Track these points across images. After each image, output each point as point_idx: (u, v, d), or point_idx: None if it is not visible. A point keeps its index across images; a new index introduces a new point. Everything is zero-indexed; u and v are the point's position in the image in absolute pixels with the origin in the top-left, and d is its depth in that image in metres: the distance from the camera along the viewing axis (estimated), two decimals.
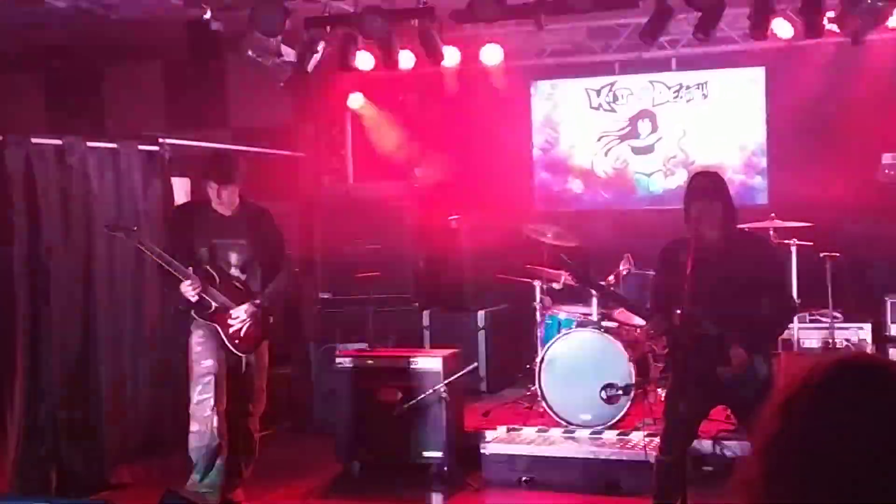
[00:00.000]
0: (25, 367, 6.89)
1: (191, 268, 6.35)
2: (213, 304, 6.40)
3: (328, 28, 8.33)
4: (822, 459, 1.42)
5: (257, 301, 6.50)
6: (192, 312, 6.45)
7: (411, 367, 7.58)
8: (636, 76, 9.96)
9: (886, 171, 8.72)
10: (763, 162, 9.71)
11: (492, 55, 9.09)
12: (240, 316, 6.42)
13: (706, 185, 5.47)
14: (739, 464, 1.54)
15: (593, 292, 7.79)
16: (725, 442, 7.01)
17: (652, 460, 5.93)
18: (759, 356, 5.40)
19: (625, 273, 8.14)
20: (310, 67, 8.48)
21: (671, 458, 5.56)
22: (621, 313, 8.01)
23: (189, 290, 6.27)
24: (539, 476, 7.23)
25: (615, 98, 10.08)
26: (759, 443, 1.49)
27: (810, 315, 8.37)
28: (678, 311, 5.46)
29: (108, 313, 7.48)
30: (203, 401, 6.41)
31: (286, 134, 10.37)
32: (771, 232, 7.79)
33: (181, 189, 8.25)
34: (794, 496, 1.43)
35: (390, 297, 8.94)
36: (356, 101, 10.25)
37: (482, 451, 7.44)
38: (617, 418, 7.58)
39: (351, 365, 7.77)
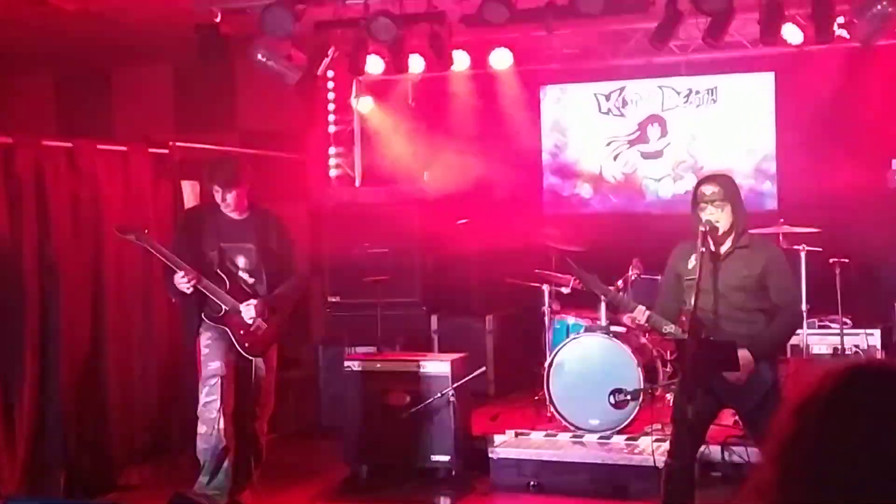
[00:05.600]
0: (34, 369, 6.91)
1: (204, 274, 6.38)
2: (223, 307, 6.41)
3: (338, 32, 8.33)
4: (835, 464, 1.43)
5: (265, 298, 6.50)
6: (203, 315, 6.46)
7: (419, 370, 7.58)
8: (645, 81, 9.95)
9: None
10: (772, 167, 9.69)
11: (501, 60, 9.09)
12: (249, 316, 6.41)
13: (712, 192, 5.45)
14: (752, 469, 1.54)
15: (602, 297, 7.77)
16: (734, 447, 6.99)
17: (660, 465, 5.92)
18: (764, 361, 5.39)
19: (633, 278, 8.13)
20: (319, 71, 8.50)
21: (680, 463, 5.56)
22: (632, 322, 8.00)
23: (182, 281, 6.26)
24: (547, 480, 7.23)
25: (624, 103, 10.07)
26: (773, 448, 1.49)
27: (819, 321, 8.35)
28: (684, 318, 5.47)
29: (116, 315, 7.50)
30: (210, 402, 6.42)
31: (295, 137, 10.38)
32: (780, 237, 7.77)
33: (190, 192, 8.27)
34: (808, 501, 1.43)
35: (398, 301, 8.93)
36: (365, 104, 10.26)
37: (490, 455, 7.44)
38: (625, 423, 7.57)
39: (359, 368, 7.77)
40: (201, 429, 6.44)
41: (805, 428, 1.48)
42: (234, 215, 6.54)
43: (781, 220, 7.98)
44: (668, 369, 7.96)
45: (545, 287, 8.30)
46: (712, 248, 5.45)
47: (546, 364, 7.86)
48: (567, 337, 7.95)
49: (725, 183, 5.57)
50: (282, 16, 7.67)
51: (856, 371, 1.51)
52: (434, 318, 9.47)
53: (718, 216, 5.38)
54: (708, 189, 5.46)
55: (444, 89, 9.91)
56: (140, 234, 6.57)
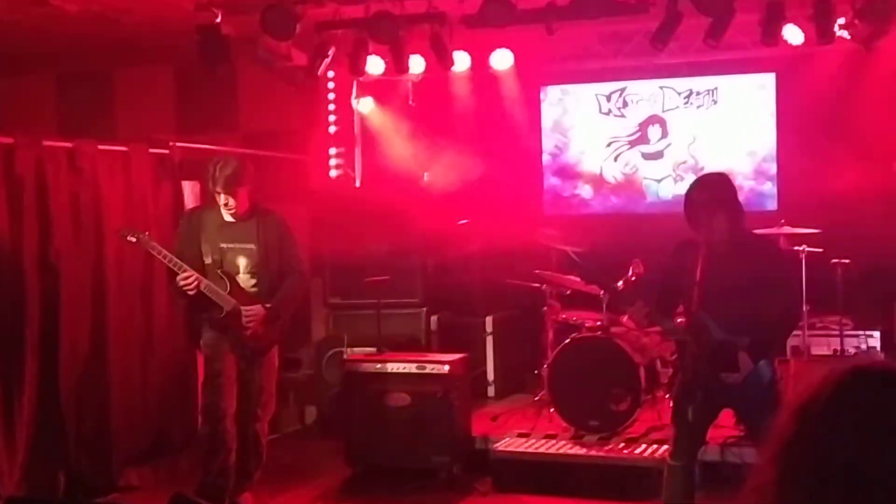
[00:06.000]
0: (35, 370, 6.91)
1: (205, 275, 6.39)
2: (225, 309, 6.41)
3: (339, 32, 8.33)
4: (836, 466, 1.42)
5: (268, 305, 6.50)
6: (204, 316, 6.46)
7: (420, 371, 7.58)
8: (646, 82, 9.95)
9: None
10: (773, 168, 9.69)
11: (502, 60, 9.08)
12: (251, 318, 6.42)
13: (707, 196, 5.42)
14: (752, 469, 1.53)
15: (601, 293, 7.77)
16: (734, 448, 6.99)
17: (661, 466, 5.93)
18: (764, 361, 5.40)
19: (634, 278, 8.13)
20: (320, 71, 8.49)
21: (680, 464, 5.56)
22: (630, 319, 8.00)
23: (186, 283, 6.27)
24: (547, 481, 7.23)
25: (625, 103, 10.07)
26: (773, 449, 1.49)
27: (820, 322, 8.34)
28: (682, 319, 5.47)
29: (117, 316, 7.50)
30: (213, 403, 6.43)
31: (295, 138, 10.38)
32: (781, 238, 7.77)
33: (191, 192, 8.27)
34: (808, 502, 1.43)
35: (399, 302, 8.93)
36: (366, 105, 10.26)
37: (491, 455, 7.44)
38: (625, 424, 7.58)
39: (359, 369, 7.78)
40: (203, 430, 6.45)
41: (806, 430, 1.48)
42: (236, 216, 6.53)
43: (782, 220, 7.98)
44: (668, 370, 7.96)
45: (545, 288, 8.30)
46: (712, 247, 5.44)
47: (546, 365, 7.86)
48: (567, 337, 7.94)
49: (716, 188, 5.53)
50: (282, 17, 7.67)
51: (857, 373, 1.51)
52: (434, 319, 9.47)
53: (714, 221, 5.37)
54: (700, 196, 5.45)
55: (445, 90, 9.90)
56: (141, 236, 6.56)
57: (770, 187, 9.70)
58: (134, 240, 6.54)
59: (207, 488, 6.42)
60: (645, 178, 10.10)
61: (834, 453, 1.43)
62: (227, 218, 6.52)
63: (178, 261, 6.33)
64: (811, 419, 1.47)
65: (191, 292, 6.31)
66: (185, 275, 6.25)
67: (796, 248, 7.78)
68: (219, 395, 6.41)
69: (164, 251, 6.42)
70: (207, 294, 6.36)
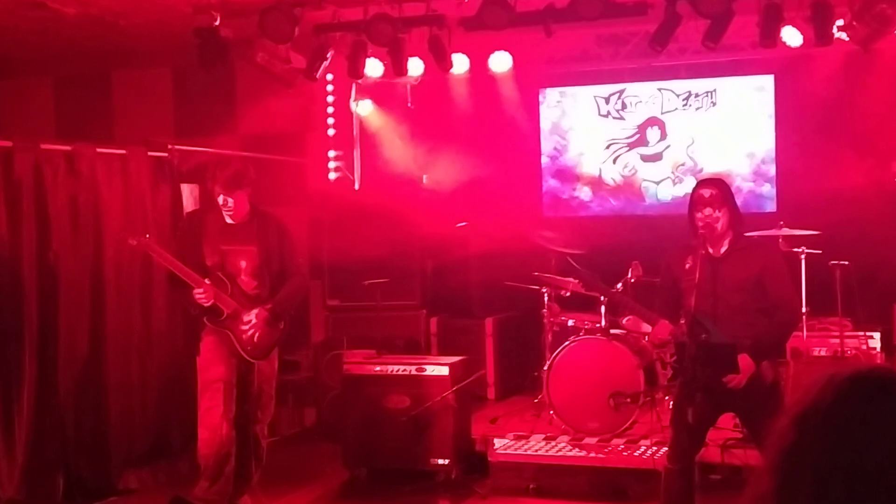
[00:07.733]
0: (33, 373, 6.91)
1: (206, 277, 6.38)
2: (225, 311, 6.40)
3: (337, 35, 8.33)
4: (836, 474, 1.41)
5: (269, 306, 6.49)
6: (205, 319, 6.45)
7: (419, 373, 7.58)
8: (645, 84, 9.95)
9: None
10: (771, 170, 9.69)
11: (500, 62, 9.07)
12: (251, 320, 6.42)
13: (710, 194, 5.48)
14: (751, 476, 1.53)
15: (601, 297, 7.77)
16: (733, 450, 6.99)
17: (660, 468, 5.92)
18: (764, 362, 5.40)
19: (633, 281, 8.13)
20: (318, 74, 8.49)
21: (679, 466, 5.56)
22: (629, 321, 8.00)
23: (202, 296, 6.29)
24: (546, 483, 7.23)
25: (623, 105, 10.06)
26: (772, 457, 1.48)
27: (819, 323, 8.33)
28: (683, 321, 5.47)
29: (116, 319, 7.50)
30: (212, 407, 6.41)
31: (294, 140, 10.37)
32: (780, 240, 7.77)
33: (190, 195, 8.27)
34: None
35: (398, 304, 8.92)
36: (365, 107, 10.25)
37: (490, 458, 7.44)
38: (625, 426, 7.57)
39: (358, 372, 7.78)
40: (203, 434, 6.42)
41: (806, 438, 1.46)
42: (235, 218, 6.53)
43: (781, 222, 7.97)
44: (668, 372, 7.95)
45: (544, 290, 8.30)
46: (710, 250, 5.47)
47: (545, 367, 7.86)
48: (567, 340, 7.94)
49: (722, 186, 5.66)
50: (281, 19, 7.67)
51: (859, 379, 1.50)
52: (433, 321, 9.46)
53: (716, 217, 5.42)
54: (706, 191, 5.51)
55: (444, 92, 9.89)
56: (141, 239, 6.54)
57: (769, 189, 9.70)
58: (134, 242, 6.52)
59: (207, 491, 6.41)
60: (644, 180, 10.10)
61: (834, 462, 1.42)
62: (228, 220, 6.52)
63: (185, 268, 6.32)
64: (811, 428, 1.46)
65: (206, 304, 6.32)
66: (200, 290, 6.27)
67: (795, 249, 7.78)
68: (220, 400, 6.39)
69: (167, 254, 6.41)
70: (215, 301, 6.38)
